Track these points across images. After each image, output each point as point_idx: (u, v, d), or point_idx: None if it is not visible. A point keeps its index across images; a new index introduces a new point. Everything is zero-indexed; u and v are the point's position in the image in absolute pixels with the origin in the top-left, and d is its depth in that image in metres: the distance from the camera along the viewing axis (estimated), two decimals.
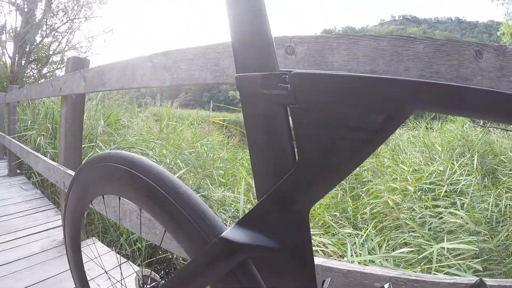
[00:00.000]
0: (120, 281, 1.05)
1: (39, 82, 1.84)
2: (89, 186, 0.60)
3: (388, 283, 0.53)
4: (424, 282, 0.59)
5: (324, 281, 0.41)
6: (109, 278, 0.85)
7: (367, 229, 1.75)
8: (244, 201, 1.59)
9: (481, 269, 1.12)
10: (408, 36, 0.58)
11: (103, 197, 0.65)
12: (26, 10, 8.32)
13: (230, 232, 0.36)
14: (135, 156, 0.51)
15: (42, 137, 2.20)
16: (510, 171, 2.06)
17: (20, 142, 2.31)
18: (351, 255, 1.26)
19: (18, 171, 2.43)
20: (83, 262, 0.73)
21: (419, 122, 2.92)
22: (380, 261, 1.24)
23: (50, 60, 9.34)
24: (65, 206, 0.68)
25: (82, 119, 1.42)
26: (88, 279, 0.73)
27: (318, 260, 0.64)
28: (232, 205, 1.60)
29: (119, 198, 0.58)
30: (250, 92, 0.34)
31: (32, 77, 8.55)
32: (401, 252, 1.19)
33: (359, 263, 1.19)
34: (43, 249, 1.40)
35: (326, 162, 0.31)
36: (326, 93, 0.30)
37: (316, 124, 0.31)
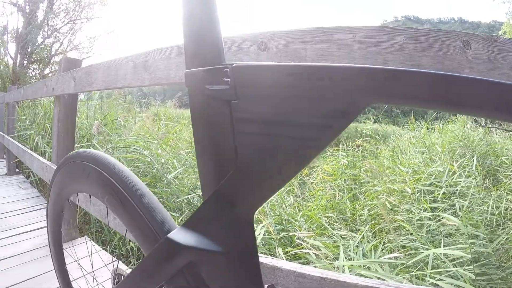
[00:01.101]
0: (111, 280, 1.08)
1: (35, 82, 1.89)
2: (65, 184, 0.62)
3: None
4: None
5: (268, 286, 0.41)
6: (94, 278, 0.87)
7: (363, 231, 1.75)
8: None
9: (473, 276, 1.10)
10: (387, 27, 0.55)
11: (77, 195, 0.67)
12: (27, 11, 8.53)
13: (175, 233, 0.35)
14: (101, 154, 0.53)
15: (41, 136, 2.26)
16: (511, 172, 2.03)
17: (19, 141, 2.37)
18: (343, 259, 1.26)
19: (17, 170, 2.50)
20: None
21: (420, 123, 2.89)
22: (375, 266, 1.23)
23: (52, 61, 9.56)
24: (47, 204, 0.71)
25: (75, 119, 1.46)
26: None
27: (291, 266, 0.62)
28: None
29: (90, 196, 0.60)
30: (195, 88, 0.33)
31: (34, 78, 8.76)
32: (390, 258, 1.19)
33: (348, 267, 1.18)
34: (35, 247, 1.44)
35: (268, 162, 0.29)
36: (268, 86, 0.28)
37: (257, 120, 0.29)
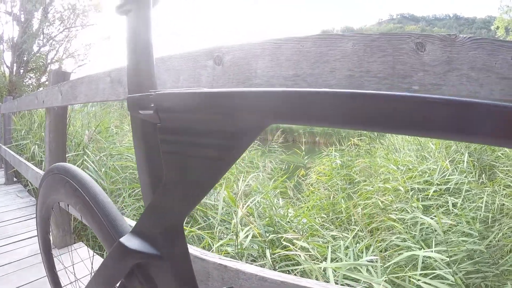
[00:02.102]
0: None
1: (28, 94, 1.99)
2: (48, 194, 0.72)
3: None
4: None
5: None
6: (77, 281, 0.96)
7: (354, 232, 1.81)
8: (223, 208, 1.67)
9: (451, 278, 1.14)
10: (336, 34, 0.56)
11: (59, 204, 0.76)
12: (23, 20, 8.79)
13: (125, 238, 0.42)
14: (73, 168, 0.62)
15: (37, 146, 2.37)
16: (507, 167, 2.06)
17: (16, 151, 2.49)
18: (326, 260, 1.32)
19: (15, 179, 2.63)
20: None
21: None
22: (365, 267, 1.27)
23: (48, 69, 9.83)
24: (35, 213, 0.80)
25: (65, 130, 1.56)
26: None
27: (253, 269, 0.66)
28: (211, 211, 1.69)
29: (67, 206, 0.69)
30: (132, 112, 0.40)
31: (31, 86, 9.00)
32: (370, 260, 1.24)
33: (333, 269, 1.23)
34: (33, 253, 1.54)
35: (187, 178, 0.35)
36: (182, 111, 0.33)
37: (175, 141, 0.34)
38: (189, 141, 0.33)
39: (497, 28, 11.28)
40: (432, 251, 1.18)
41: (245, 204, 1.62)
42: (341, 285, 1.03)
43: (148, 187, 0.42)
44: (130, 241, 0.42)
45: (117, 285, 0.49)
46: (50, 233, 1.58)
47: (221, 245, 1.37)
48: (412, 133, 0.21)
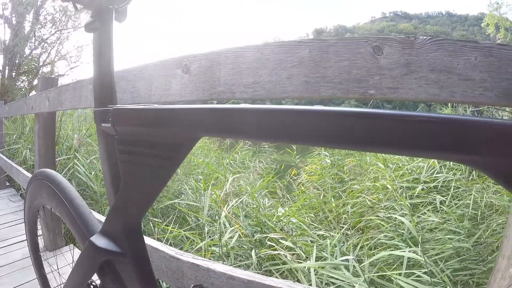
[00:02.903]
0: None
1: (18, 100, 2.05)
2: (33, 198, 0.78)
3: None
4: None
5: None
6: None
7: (341, 231, 1.87)
8: (214, 209, 1.73)
9: (427, 278, 1.16)
10: (294, 41, 0.57)
11: (43, 208, 0.83)
12: (14, 22, 8.85)
13: (95, 237, 0.49)
14: (54, 174, 0.69)
15: (28, 150, 2.43)
16: None
17: (9, 155, 2.55)
18: (305, 259, 1.37)
19: (8, 184, 2.69)
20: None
21: None
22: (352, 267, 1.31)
23: (40, 71, 9.89)
24: (24, 216, 0.87)
25: (54, 134, 1.62)
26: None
27: (222, 268, 0.71)
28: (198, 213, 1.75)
29: (51, 209, 0.75)
30: (97, 124, 0.47)
31: (23, 89, 9.06)
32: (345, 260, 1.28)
33: (315, 268, 1.27)
34: (25, 256, 1.60)
35: (139, 183, 0.41)
36: (134, 125, 0.40)
37: (129, 151, 0.41)
38: (139, 151, 0.40)
39: (487, 25, 11.30)
40: (406, 251, 1.23)
41: (232, 205, 1.69)
42: (309, 285, 1.08)
43: (111, 191, 0.48)
44: (99, 240, 0.48)
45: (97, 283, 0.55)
46: (41, 236, 1.64)
47: (209, 245, 1.42)
48: (330, 145, 0.24)
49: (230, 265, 1.35)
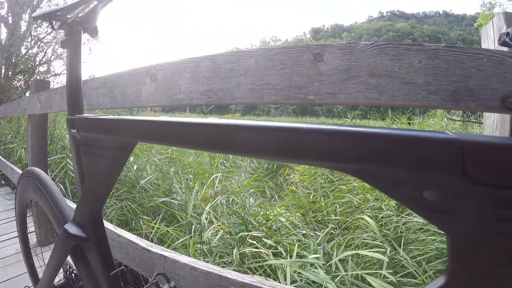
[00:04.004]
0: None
1: (12, 101, 2.16)
2: (22, 193, 0.89)
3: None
4: None
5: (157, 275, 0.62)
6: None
7: (326, 230, 1.95)
8: (195, 208, 1.82)
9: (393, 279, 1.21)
10: (242, 51, 0.62)
11: (31, 202, 0.94)
12: (10, 22, 9.05)
13: (68, 225, 0.60)
14: (39, 171, 0.79)
15: (23, 149, 2.56)
16: None
17: (4, 154, 2.68)
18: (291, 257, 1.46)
19: (3, 182, 2.82)
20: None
21: (398, 118, 3.05)
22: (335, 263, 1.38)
23: (37, 71, 10.11)
24: (15, 211, 0.98)
25: (46, 135, 1.73)
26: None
27: (186, 260, 0.79)
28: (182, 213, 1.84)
29: (37, 203, 0.86)
30: (68, 130, 0.58)
31: (20, 89, 9.26)
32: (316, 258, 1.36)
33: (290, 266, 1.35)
34: (17, 251, 1.72)
35: (96, 178, 0.52)
36: (92, 131, 0.51)
37: (89, 152, 0.52)
38: (96, 152, 0.51)
39: (480, 25, 11.19)
40: (369, 251, 1.30)
41: (219, 203, 1.78)
42: (266, 278, 1.17)
43: (79, 185, 0.59)
44: (70, 227, 0.59)
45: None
46: (35, 233, 1.76)
47: (196, 242, 1.52)
48: (236, 153, 0.32)
49: (211, 262, 1.45)
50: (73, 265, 0.67)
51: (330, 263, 1.32)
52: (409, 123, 3.02)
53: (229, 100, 0.63)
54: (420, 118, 3.05)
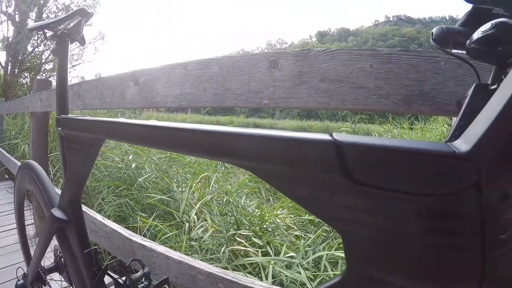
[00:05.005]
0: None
1: (16, 98, 2.33)
2: (20, 184, 1.02)
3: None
4: (238, 284, 0.69)
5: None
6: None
7: (317, 231, 2.03)
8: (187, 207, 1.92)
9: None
10: (208, 59, 0.69)
11: (27, 191, 1.06)
12: (17, 20, 9.45)
13: (54, 209, 0.71)
14: (34, 163, 0.91)
15: (27, 145, 2.72)
16: None
17: (8, 149, 2.86)
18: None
19: (7, 177, 3.01)
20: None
21: (399, 123, 3.08)
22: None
23: (43, 68, 10.51)
24: (13, 200, 1.11)
25: (47, 132, 1.87)
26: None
27: (161, 249, 0.88)
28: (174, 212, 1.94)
29: (32, 193, 0.98)
30: (56, 128, 0.70)
31: (25, 86, 9.64)
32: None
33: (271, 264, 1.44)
34: (17, 241, 1.86)
35: (75, 169, 0.63)
36: (72, 129, 0.62)
37: (70, 147, 0.64)
38: (74, 147, 0.62)
39: None
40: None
41: (213, 203, 1.89)
42: (233, 271, 1.25)
43: (64, 175, 0.70)
44: (56, 212, 0.71)
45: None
46: (34, 224, 1.90)
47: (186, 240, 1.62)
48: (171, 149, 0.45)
49: (200, 259, 1.55)
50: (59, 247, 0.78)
51: (306, 261, 1.40)
52: (411, 128, 3.06)
53: (196, 104, 0.73)
54: (422, 123, 3.07)
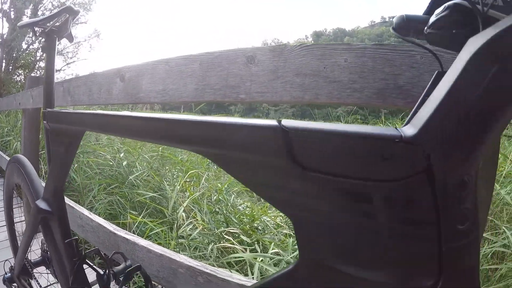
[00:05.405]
0: None
1: (9, 95, 2.35)
2: (9, 177, 1.05)
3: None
4: (216, 277, 0.72)
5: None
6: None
7: None
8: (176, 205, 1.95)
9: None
10: (190, 55, 0.71)
11: (16, 185, 1.09)
12: (12, 17, 9.47)
13: (38, 201, 0.75)
14: (22, 157, 0.95)
15: (19, 142, 2.74)
16: None
17: (1, 147, 2.88)
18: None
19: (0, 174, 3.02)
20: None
21: (392, 123, 3.11)
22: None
23: (37, 66, 10.54)
24: (3, 193, 1.14)
25: (38, 128, 1.90)
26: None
27: (144, 243, 0.90)
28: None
29: (20, 186, 1.01)
30: (43, 121, 0.73)
31: (19, 83, 9.65)
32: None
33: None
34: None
35: (58, 161, 0.67)
36: (55, 122, 0.65)
37: (54, 140, 0.67)
38: (57, 139, 0.66)
39: None
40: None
41: (201, 200, 1.92)
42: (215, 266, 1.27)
43: (48, 168, 0.73)
44: (40, 203, 0.75)
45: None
46: (24, 222, 1.93)
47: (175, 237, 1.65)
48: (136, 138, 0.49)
49: (188, 256, 1.58)
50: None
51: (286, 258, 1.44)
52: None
53: (177, 99, 0.76)
54: None
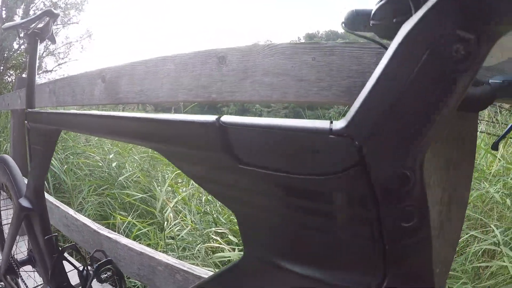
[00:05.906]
0: None
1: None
2: None
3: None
4: (193, 275, 0.74)
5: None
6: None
7: None
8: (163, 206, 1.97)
9: None
10: (165, 56, 0.74)
11: (3, 185, 1.12)
12: (4, 16, 9.47)
13: (21, 199, 0.78)
14: (7, 157, 0.98)
15: (9, 144, 2.76)
16: None
17: None
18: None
19: None
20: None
21: None
22: None
23: None
24: None
25: None
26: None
27: (125, 241, 0.94)
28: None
29: (6, 187, 1.04)
30: (25, 121, 0.77)
31: (11, 84, 9.62)
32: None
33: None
34: None
35: (37, 160, 0.70)
36: (34, 122, 0.69)
37: (33, 140, 0.71)
38: (36, 139, 0.69)
39: None
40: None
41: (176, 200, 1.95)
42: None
43: (30, 167, 0.76)
44: (23, 201, 0.78)
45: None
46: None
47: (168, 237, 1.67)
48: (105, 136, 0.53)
49: (176, 256, 1.61)
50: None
51: None
52: None
53: (154, 99, 0.80)
54: None
